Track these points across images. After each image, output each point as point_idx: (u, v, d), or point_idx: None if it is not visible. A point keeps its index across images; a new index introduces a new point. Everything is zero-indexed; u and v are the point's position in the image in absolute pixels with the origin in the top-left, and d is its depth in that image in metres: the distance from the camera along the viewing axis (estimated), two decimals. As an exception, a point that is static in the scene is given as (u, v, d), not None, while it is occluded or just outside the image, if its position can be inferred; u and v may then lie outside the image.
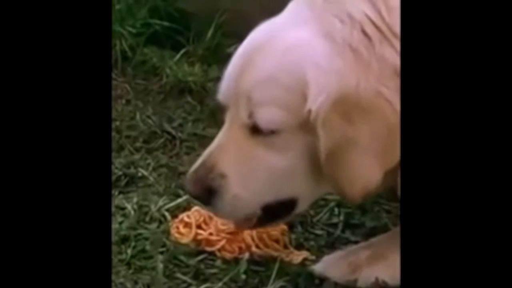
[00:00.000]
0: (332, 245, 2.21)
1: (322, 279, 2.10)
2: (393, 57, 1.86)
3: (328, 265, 2.12)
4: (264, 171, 1.95)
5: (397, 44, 1.86)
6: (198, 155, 2.61)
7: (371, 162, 1.88)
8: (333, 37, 1.88)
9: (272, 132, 1.92)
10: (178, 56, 3.09)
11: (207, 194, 1.98)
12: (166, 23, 3.16)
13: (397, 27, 1.86)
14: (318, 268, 2.12)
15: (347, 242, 2.24)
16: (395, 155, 1.81)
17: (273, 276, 2.09)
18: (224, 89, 2.00)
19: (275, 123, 1.91)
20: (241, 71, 1.96)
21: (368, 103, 1.85)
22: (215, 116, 2.77)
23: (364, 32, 1.88)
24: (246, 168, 1.96)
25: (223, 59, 3.07)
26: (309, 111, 1.86)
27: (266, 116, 1.91)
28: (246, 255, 2.14)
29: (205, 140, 2.69)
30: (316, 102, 1.85)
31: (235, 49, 3.07)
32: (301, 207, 2.05)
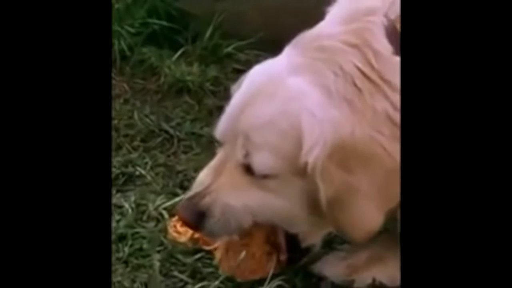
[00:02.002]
0: (329, 244, 2.21)
1: (319, 279, 2.11)
2: (384, 106, 1.89)
3: (326, 265, 2.13)
4: (258, 206, 1.98)
5: (388, 90, 1.89)
6: (196, 154, 2.64)
7: (372, 206, 1.91)
8: (328, 88, 1.90)
9: (265, 177, 1.94)
10: (176, 55, 3.09)
11: (198, 219, 1.99)
12: (164, 23, 3.16)
13: (386, 73, 1.89)
14: (316, 267, 2.13)
15: (344, 241, 2.24)
16: (395, 198, 1.82)
17: (270, 275, 2.09)
18: (222, 127, 2.01)
19: (268, 168, 1.93)
20: (240, 112, 1.97)
21: (365, 150, 1.88)
22: (213, 115, 2.77)
23: (355, 85, 1.90)
24: (238, 195, 1.98)
25: (221, 59, 3.10)
26: (306, 163, 1.88)
27: (260, 161, 1.93)
28: (243, 254, 2.13)
29: (203, 139, 2.71)
30: (311, 153, 1.87)
31: (233, 49, 3.11)
32: (308, 241, 2.08)
